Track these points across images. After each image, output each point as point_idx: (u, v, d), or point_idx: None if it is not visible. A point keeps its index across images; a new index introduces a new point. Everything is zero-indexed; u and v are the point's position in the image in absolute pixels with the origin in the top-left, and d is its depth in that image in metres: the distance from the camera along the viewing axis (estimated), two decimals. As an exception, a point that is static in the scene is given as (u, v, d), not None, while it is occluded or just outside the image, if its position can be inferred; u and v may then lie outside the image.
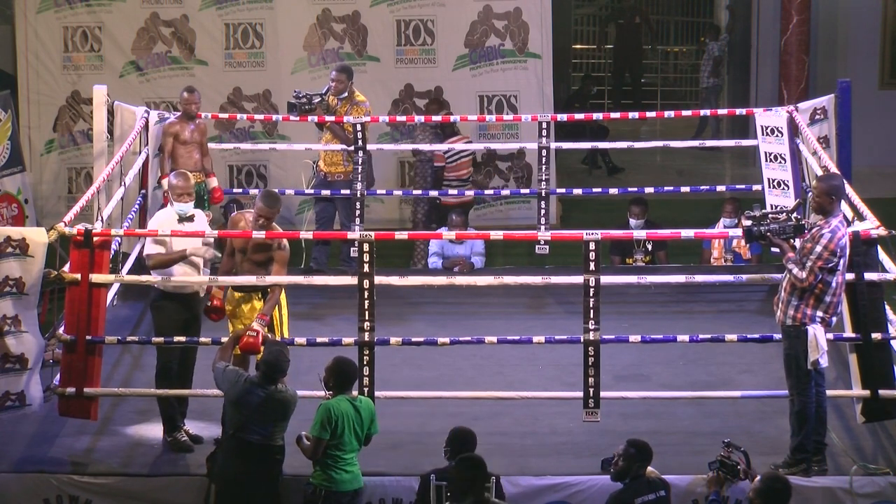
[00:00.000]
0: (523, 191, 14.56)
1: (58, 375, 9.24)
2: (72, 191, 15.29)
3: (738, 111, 14.07)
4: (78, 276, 8.97)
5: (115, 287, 10.73)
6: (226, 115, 14.20)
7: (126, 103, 12.16)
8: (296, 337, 9.32)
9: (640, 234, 11.90)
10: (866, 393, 8.95)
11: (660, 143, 15.99)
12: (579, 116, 14.10)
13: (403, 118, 14.01)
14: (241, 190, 14.51)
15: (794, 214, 8.70)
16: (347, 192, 12.23)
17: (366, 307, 8.93)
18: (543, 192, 12.23)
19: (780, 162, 11.81)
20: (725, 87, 19.26)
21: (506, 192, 14.80)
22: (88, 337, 9.00)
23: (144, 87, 15.20)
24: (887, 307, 9.13)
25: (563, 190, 14.31)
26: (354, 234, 9.51)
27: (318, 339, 9.31)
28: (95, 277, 9.01)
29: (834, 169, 10.20)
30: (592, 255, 8.88)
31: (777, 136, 11.82)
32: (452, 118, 13.51)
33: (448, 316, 11.44)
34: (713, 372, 10.37)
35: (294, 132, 14.64)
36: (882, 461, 8.94)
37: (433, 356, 10.33)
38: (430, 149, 13.61)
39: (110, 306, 10.12)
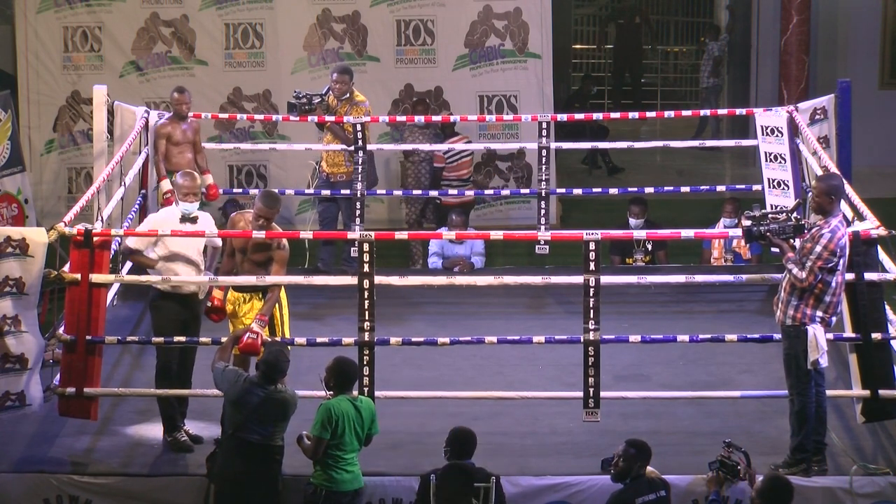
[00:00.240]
0: (523, 191, 14.55)
1: (58, 375, 9.24)
2: (72, 191, 15.27)
3: (738, 111, 14.05)
4: (78, 276, 8.97)
5: (115, 287, 10.73)
6: (226, 115, 14.20)
7: (126, 103, 12.14)
8: (296, 337, 9.32)
9: (640, 234, 11.88)
10: (866, 393, 8.95)
11: (660, 143, 15.98)
12: (579, 116, 14.07)
13: (403, 118, 13.99)
14: (240, 190, 14.50)
15: (794, 214, 8.69)
16: (349, 192, 12.24)
17: (366, 307, 8.93)
18: (543, 192, 12.21)
19: (780, 162, 11.80)
20: (725, 87, 19.24)
21: (506, 192, 14.79)
22: (88, 337, 9.00)
23: (144, 87, 15.18)
24: (887, 307, 9.13)
25: (563, 190, 14.29)
26: (354, 234, 9.51)
27: (319, 339, 9.31)
28: (95, 277, 9.01)
29: (834, 169, 10.18)
30: (592, 255, 8.88)
31: (777, 136, 11.80)
32: (452, 118, 13.49)
33: (448, 316, 11.43)
34: (713, 372, 10.37)
35: (294, 132, 14.63)
36: (882, 461, 8.93)
37: (433, 356, 10.32)
38: (426, 149, 13.60)
39: (110, 306, 10.12)
